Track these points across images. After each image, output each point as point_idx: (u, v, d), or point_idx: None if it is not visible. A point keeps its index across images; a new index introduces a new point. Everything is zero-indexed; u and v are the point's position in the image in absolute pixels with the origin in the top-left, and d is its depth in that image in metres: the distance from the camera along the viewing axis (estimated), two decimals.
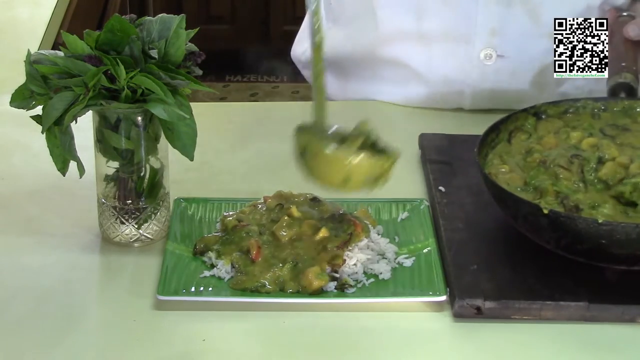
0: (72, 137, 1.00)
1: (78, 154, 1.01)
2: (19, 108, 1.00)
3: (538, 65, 1.35)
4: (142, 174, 1.04)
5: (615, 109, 1.16)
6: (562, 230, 0.96)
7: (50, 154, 1.00)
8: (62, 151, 0.99)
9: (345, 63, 1.46)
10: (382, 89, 1.43)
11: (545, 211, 0.95)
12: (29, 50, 0.99)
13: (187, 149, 1.00)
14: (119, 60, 0.95)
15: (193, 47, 1.02)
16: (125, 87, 0.96)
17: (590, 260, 0.97)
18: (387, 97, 1.43)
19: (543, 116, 1.16)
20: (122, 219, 1.05)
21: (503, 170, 1.07)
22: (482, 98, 1.37)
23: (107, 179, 1.05)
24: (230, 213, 1.08)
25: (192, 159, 1.00)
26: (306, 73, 1.52)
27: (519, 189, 1.04)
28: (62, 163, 1.01)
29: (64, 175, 1.01)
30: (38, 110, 0.99)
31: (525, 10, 1.32)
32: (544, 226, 0.97)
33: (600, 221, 0.93)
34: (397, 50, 1.39)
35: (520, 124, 1.14)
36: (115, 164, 1.04)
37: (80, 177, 1.01)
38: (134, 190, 1.05)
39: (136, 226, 1.06)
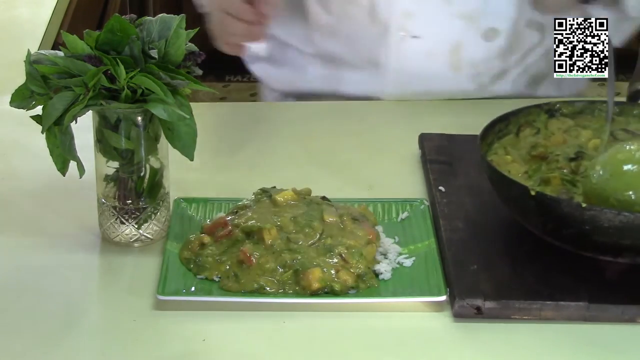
0: (72, 137, 1.00)
1: (78, 154, 1.01)
2: (19, 108, 1.00)
3: (450, 46, 1.38)
4: (142, 174, 1.04)
5: (634, 112, 1.16)
6: (548, 213, 0.96)
7: (50, 154, 1.00)
8: (62, 151, 0.99)
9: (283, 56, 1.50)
10: (314, 81, 1.47)
11: (533, 192, 0.96)
12: (29, 50, 0.99)
13: (187, 149, 1.00)
14: (119, 60, 0.95)
15: (193, 47, 1.02)
16: (125, 87, 0.96)
17: (576, 248, 0.98)
18: (320, 86, 1.47)
19: (556, 114, 1.16)
20: (122, 219, 1.05)
21: (506, 159, 1.08)
22: (402, 80, 1.40)
23: (107, 179, 1.04)
24: (222, 215, 1.08)
25: (192, 159, 1.00)
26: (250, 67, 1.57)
27: (519, 175, 1.05)
28: (62, 163, 1.00)
29: (64, 175, 1.01)
30: (38, 110, 0.99)
31: None
32: (531, 208, 0.98)
33: (584, 205, 0.93)
34: (322, 42, 1.42)
35: (531, 118, 1.15)
36: (115, 164, 1.04)
37: (80, 177, 1.01)
38: (134, 190, 1.04)
39: (136, 226, 1.05)
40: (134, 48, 0.97)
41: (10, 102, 1.00)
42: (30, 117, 1.00)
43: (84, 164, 1.01)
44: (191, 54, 1.01)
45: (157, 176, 1.05)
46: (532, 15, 1.37)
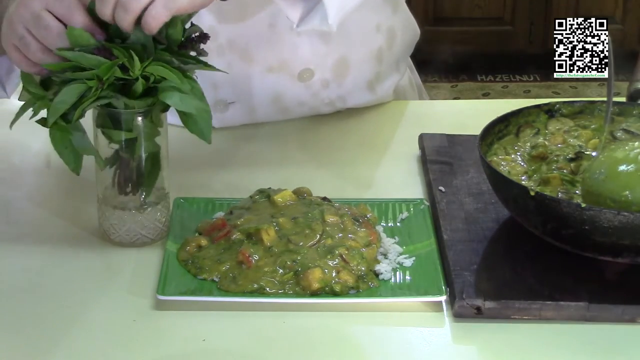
0: (84, 132, 0.98)
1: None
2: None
3: (272, 97, 1.33)
4: (140, 159, 1.03)
5: (633, 112, 1.16)
6: (547, 213, 0.96)
7: (60, 156, 0.98)
8: (78, 148, 0.97)
9: None
10: None
11: (532, 193, 0.96)
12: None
13: (203, 132, 0.98)
14: (131, 51, 0.94)
15: (198, 28, 1.01)
16: (140, 76, 0.95)
17: (576, 248, 0.98)
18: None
19: (556, 114, 1.16)
20: (123, 219, 1.05)
21: (506, 159, 1.08)
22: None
23: (107, 161, 1.03)
24: (221, 214, 1.08)
25: (209, 142, 0.98)
26: None
27: (519, 175, 1.05)
28: (74, 162, 0.98)
29: (78, 174, 0.99)
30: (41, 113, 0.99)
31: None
32: (531, 209, 0.98)
33: (583, 206, 0.93)
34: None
35: (531, 119, 1.15)
36: (115, 146, 1.02)
37: (102, 169, 1.01)
38: (134, 172, 1.03)
39: (136, 226, 1.05)
40: (142, 36, 0.96)
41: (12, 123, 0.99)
42: (36, 121, 0.98)
43: (83, 162, 1.00)
44: (197, 35, 1.00)
45: (155, 159, 1.04)
46: (339, 47, 1.30)
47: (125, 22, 0.95)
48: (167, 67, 0.95)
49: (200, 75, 1.03)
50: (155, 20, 0.95)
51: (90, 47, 0.96)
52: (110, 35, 0.98)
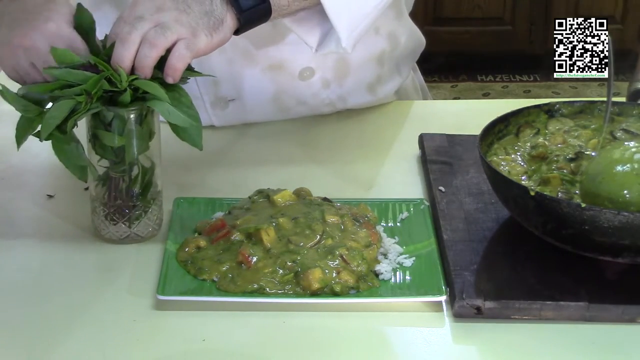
0: (78, 142, 0.99)
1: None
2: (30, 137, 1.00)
3: (271, 96, 1.34)
4: (133, 173, 1.03)
5: (633, 112, 1.16)
6: (548, 213, 0.96)
7: (66, 167, 0.99)
8: (73, 159, 0.98)
9: None
10: None
11: (532, 193, 0.96)
12: (3, 86, 0.99)
13: (194, 139, 0.99)
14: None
15: None
16: (127, 87, 0.96)
17: (576, 248, 0.98)
18: None
19: (556, 114, 1.16)
20: (114, 217, 1.05)
21: (506, 159, 1.08)
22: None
23: (98, 178, 1.04)
24: (221, 215, 1.08)
25: (201, 148, 0.99)
26: None
27: (519, 175, 1.05)
28: (80, 172, 1.00)
29: (86, 182, 1.00)
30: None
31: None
32: (531, 209, 0.98)
33: (583, 206, 0.93)
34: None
35: (531, 119, 1.15)
36: (106, 163, 1.03)
37: (95, 180, 1.01)
38: (124, 190, 1.04)
39: (127, 224, 1.05)
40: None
41: (18, 146, 1.00)
42: (31, 134, 0.99)
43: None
44: None
45: (147, 175, 1.04)
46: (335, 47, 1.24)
47: (150, 59, 0.96)
48: (154, 81, 0.95)
49: (200, 71, 1.04)
50: (180, 61, 0.97)
51: (76, 64, 0.97)
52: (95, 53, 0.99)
